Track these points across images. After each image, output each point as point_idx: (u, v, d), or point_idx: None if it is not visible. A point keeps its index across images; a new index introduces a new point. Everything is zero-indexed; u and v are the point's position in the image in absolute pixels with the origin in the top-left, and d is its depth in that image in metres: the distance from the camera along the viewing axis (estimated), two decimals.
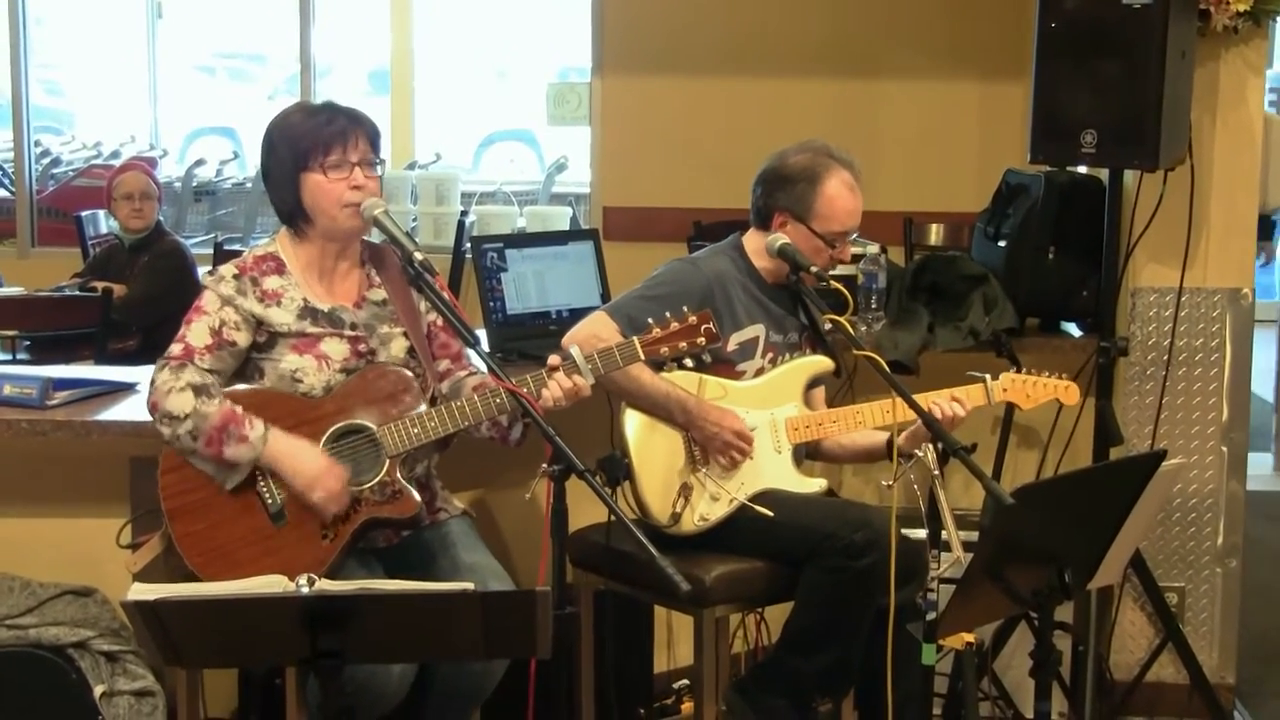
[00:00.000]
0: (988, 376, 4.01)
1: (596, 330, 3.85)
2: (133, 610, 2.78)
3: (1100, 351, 4.66)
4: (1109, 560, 3.39)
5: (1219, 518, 4.93)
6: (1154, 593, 4.77)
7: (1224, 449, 4.91)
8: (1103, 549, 3.35)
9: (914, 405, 3.55)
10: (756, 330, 4.06)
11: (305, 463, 3.51)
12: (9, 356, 6.11)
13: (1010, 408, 4.87)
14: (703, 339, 3.56)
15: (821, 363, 4.12)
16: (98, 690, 3.93)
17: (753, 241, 4.11)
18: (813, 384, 4.15)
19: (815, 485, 4.06)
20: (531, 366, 3.56)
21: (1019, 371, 4.09)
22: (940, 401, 3.89)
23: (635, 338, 3.56)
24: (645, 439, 3.94)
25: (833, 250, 4.02)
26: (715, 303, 3.95)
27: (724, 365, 4.01)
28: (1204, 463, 4.91)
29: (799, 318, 4.18)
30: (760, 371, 4.07)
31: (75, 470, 4.18)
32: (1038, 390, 4.04)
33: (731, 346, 4.02)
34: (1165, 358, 4.85)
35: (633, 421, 3.95)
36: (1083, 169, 4.97)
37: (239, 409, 3.51)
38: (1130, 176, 4.72)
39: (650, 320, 3.58)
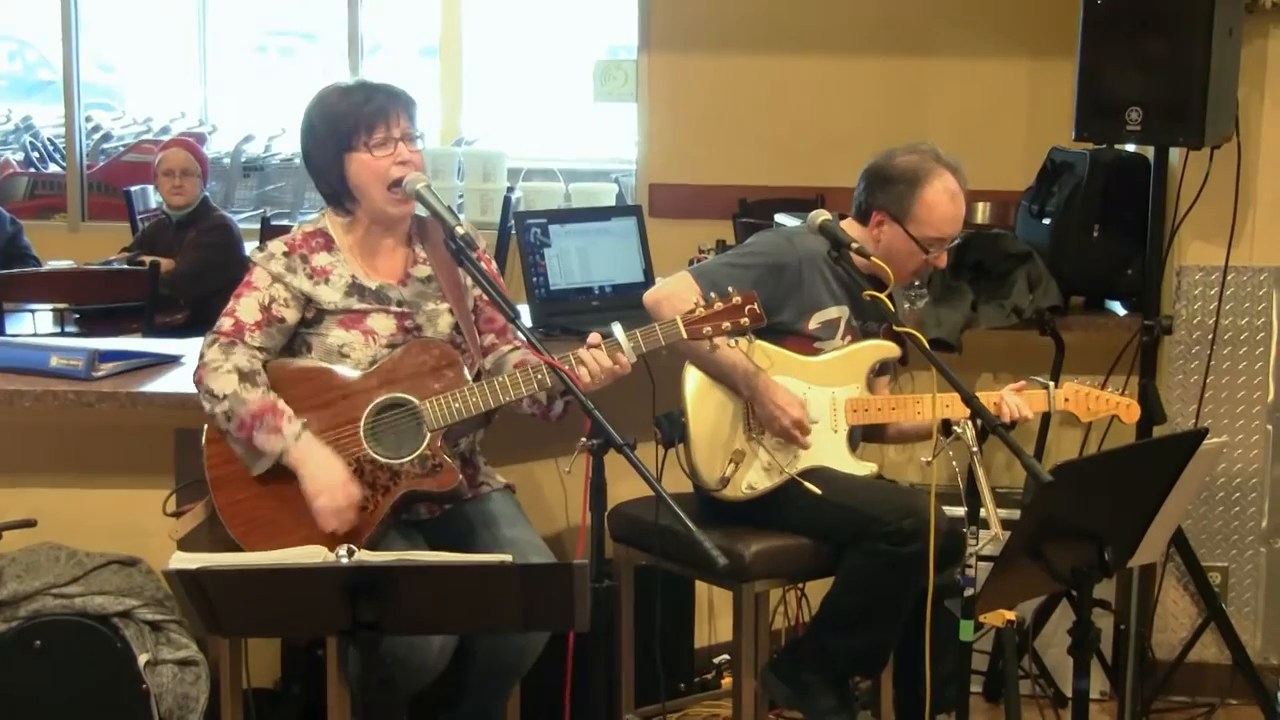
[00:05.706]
0: (1051, 384, 3.99)
1: (678, 290, 3.85)
2: (175, 579, 2.81)
3: (1144, 330, 4.64)
4: (1149, 539, 3.39)
5: (1263, 498, 4.91)
6: (1197, 572, 4.76)
7: (1269, 428, 4.88)
8: (1142, 528, 3.35)
9: (955, 383, 3.53)
10: (840, 311, 4.05)
11: (326, 471, 3.51)
12: (59, 329, 6.16)
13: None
14: (746, 319, 3.52)
15: (887, 348, 4.09)
16: (142, 659, 3.97)
17: (847, 231, 4.07)
18: (879, 371, 4.14)
19: (867, 469, 4.04)
20: (573, 342, 3.56)
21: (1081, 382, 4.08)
22: (1008, 401, 3.88)
23: (678, 316, 3.54)
24: (704, 401, 3.94)
25: (927, 255, 4.01)
26: (803, 278, 3.96)
27: (804, 341, 4.01)
28: (1249, 442, 4.89)
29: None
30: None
31: (121, 441, 4.22)
32: (1098, 404, 4.01)
33: (814, 324, 4.01)
34: (1210, 337, 4.83)
35: (693, 382, 3.95)
36: (1128, 146, 4.95)
37: (280, 402, 3.53)
38: (1176, 154, 4.70)
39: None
